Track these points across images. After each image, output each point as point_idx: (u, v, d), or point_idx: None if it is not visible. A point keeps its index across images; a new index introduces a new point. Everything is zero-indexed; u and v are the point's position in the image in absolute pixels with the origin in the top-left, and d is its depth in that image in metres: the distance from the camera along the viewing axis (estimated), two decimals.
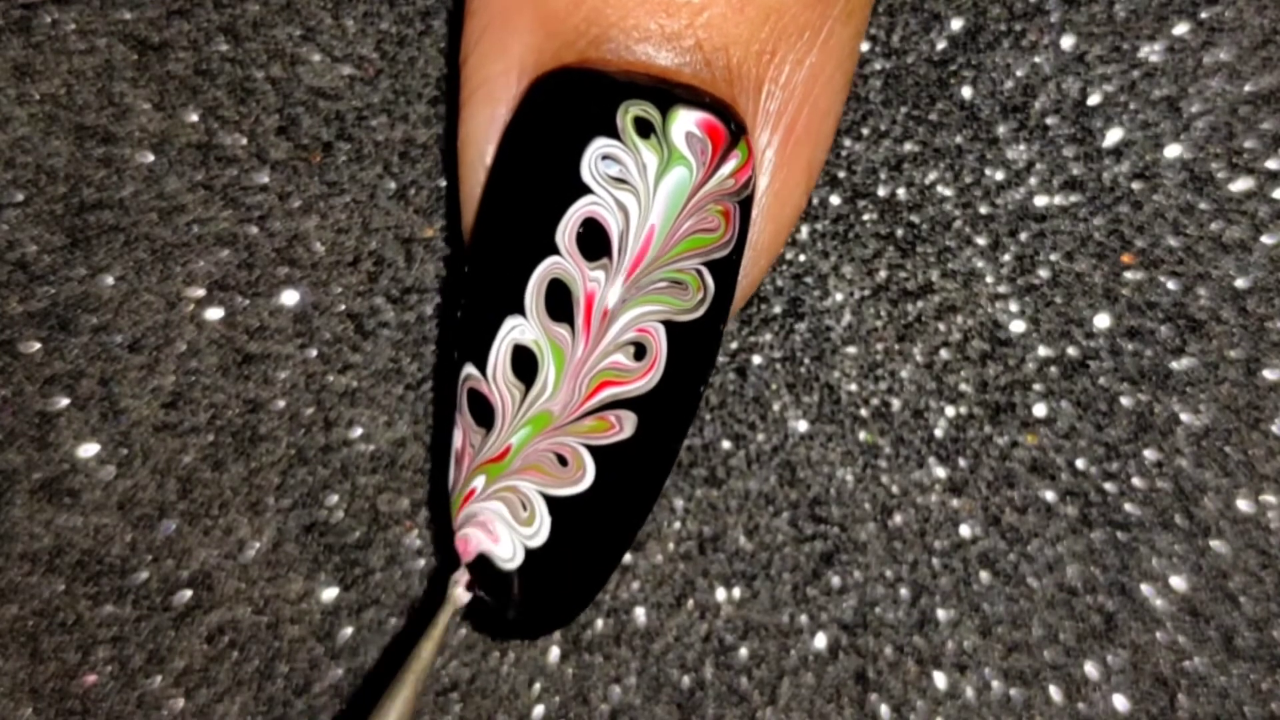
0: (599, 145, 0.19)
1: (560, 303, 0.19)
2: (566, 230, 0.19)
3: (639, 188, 0.19)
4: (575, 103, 0.19)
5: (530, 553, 0.19)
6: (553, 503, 0.19)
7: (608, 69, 0.19)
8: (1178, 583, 0.23)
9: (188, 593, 0.23)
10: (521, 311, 0.19)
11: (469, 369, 0.19)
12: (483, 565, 0.20)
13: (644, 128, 0.19)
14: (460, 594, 0.19)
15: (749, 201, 0.20)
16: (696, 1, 0.19)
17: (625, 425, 0.19)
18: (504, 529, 0.19)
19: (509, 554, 0.19)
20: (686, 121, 0.19)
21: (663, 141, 0.19)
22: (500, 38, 0.20)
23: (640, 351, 0.19)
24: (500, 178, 0.20)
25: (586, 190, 0.19)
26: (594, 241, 0.19)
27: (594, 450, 0.19)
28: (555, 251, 0.19)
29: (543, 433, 0.19)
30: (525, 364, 0.19)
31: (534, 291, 0.19)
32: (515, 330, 0.19)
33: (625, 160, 0.19)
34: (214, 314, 0.23)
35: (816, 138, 0.20)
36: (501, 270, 0.19)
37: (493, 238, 0.20)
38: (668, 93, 0.19)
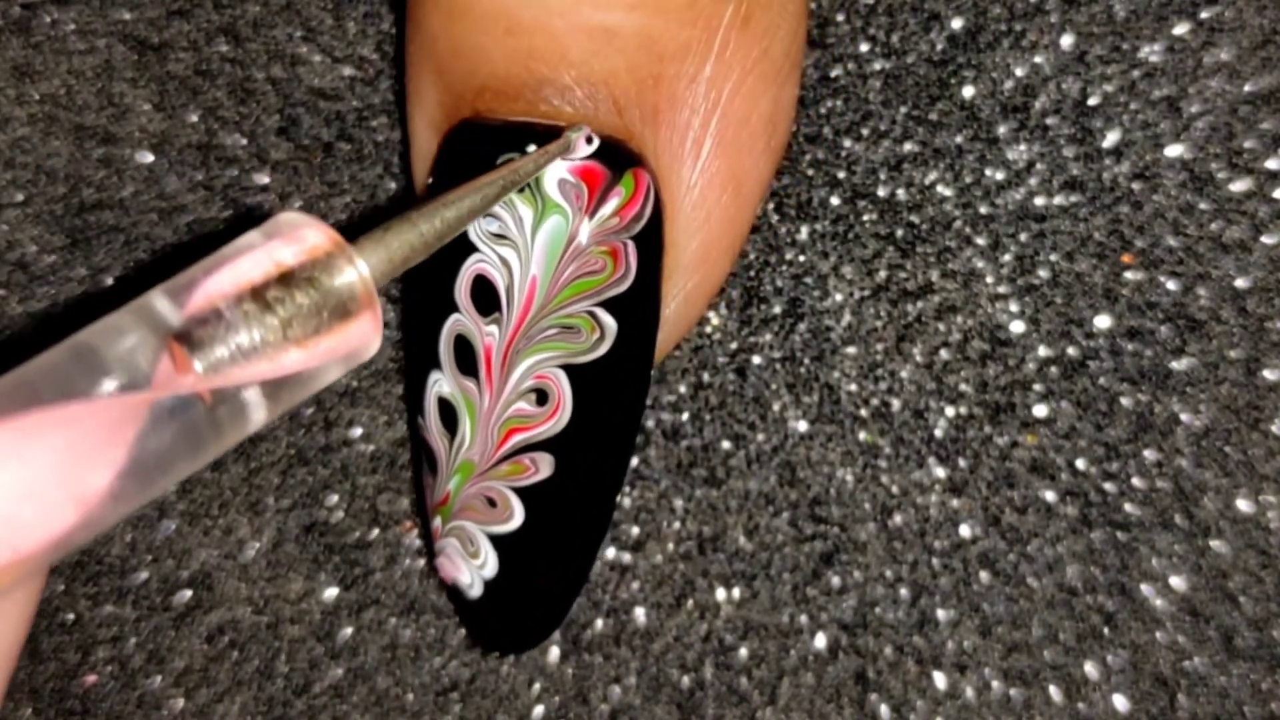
0: None
1: (465, 357, 0.20)
2: (461, 288, 0.19)
3: (518, 241, 0.19)
4: (460, 160, 0.19)
5: (487, 584, 0.20)
6: (494, 539, 0.20)
7: (492, 121, 0.19)
8: (1178, 583, 0.23)
9: (188, 593, 0.23)
10: (439, 366, 0.20)
11: (418, 419, 0.21)
12: (454, 592, 0.21)
13: None
14: (579, 142, 0.19)
15: (650, 232, 0.20)
16: (562, 42, 0.19)
17: (542, 466, 0.20)
18: (462, 561, 0.20)
19: (469, 581, 0.21)
20: (559, 169, 0.19)
21: (536, 193, 0.19)
22: (417, 93, 0.21)
23: (543, 397, 0.20)
24: None
25: (473, 249, 0.19)
26: (485, 297, 0.19)
27: (518, 491, 0.20)
28: (456, 309, 0.19)
29: (470, 479, 0.20)
30: (448, 415, 0.20)
31: (445, 347, 0.20)
32: (437, 384, 0.20)
33: (503, 215, 0.19)
34: None
35: (735, 146, 0.20)
36: (421, 327, 0.20)
37: (413, 296, 0.21)
38: (542, 138, 0.19)
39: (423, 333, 0.20)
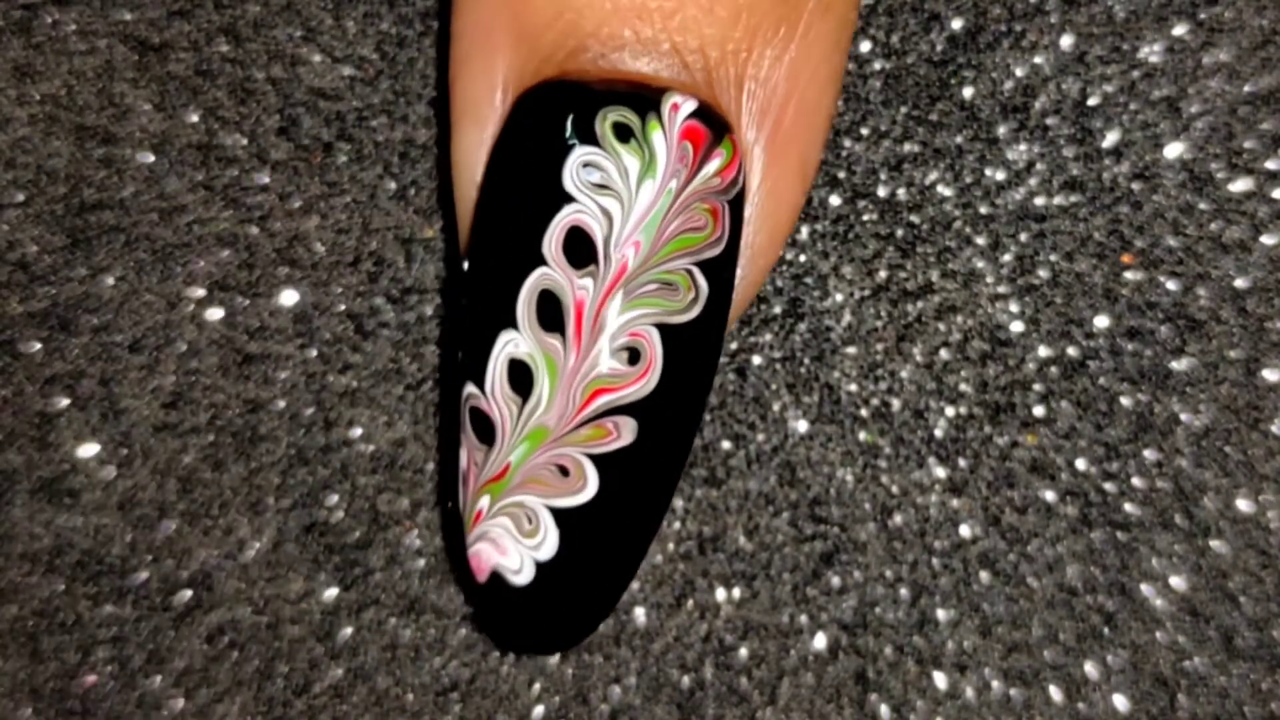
0: (580, 153, 0.19)
1: (551, 313, 0.19)
2: (552, 240, 0.19)
3: (621, 192, 0.19)
4: (555, 114, 0.19)
5: (540, 566, 0.19)
6: (558, 514, 0.19)
7: (586, 79, 0.19)
8: (1178, 583, 0.23)
9: (188, 593, 0.23)
10: (515, 325, 0.19)
11: (470, 388, 0.20)
12: (495, 583, 0.20)
13: (623, 133, 0.19)
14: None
15: (739, 201, 0.20)
16: (668, 6, 0.19)
17: (624, 431, 0.19)
18: (511, 543, 0.19)
19: (516, 565, 0.19)
20: (668, 124, 0.19)
21: (642, 145, 0.19)
22: (483, 58, 0.20)
23: (634, 356, 0.19)
24: (489, 195, 0.20)
25: (569, 199, 0.19)
26: (580, 249, 0.19)
27: (595, 458, 0.19)
28: (543, 262, 0.19)
29: (540, 448, 0.19)
30: (521, 378, 0.19)
31: (525, 303, 0.19)
32: (510, 344, 0.19)
33: (606, 166, 0.19)
34: (214, 314, 0.23)
35: (807, 133, 0.20)
36: (494, 286, 0.19)
37: (485, 254, 0.20)
38: (645, 97, 0.19)
39: (497, 291, 0.19)
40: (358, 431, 0.24)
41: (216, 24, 0.24)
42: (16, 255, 0.23)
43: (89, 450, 0.23)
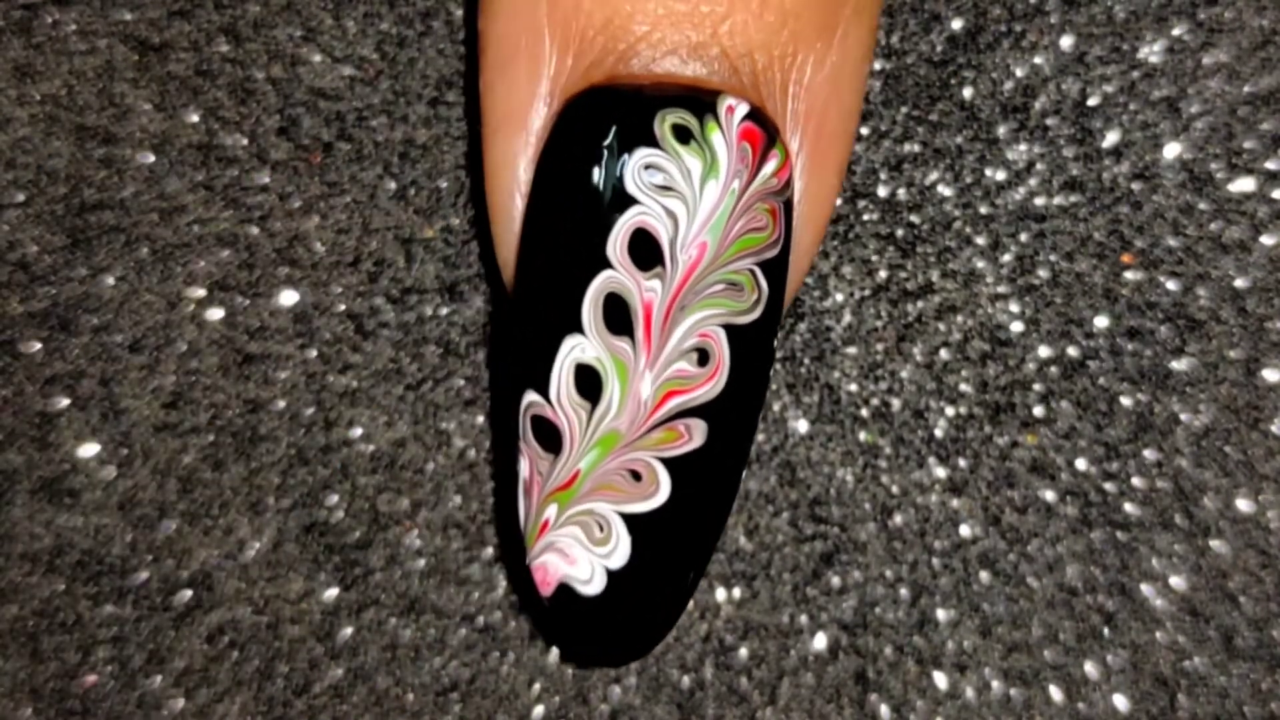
0: (641, 155, 0.19)
1: (619, 316, 0.19)
2: (617, 242, 0.19)
3: (685, 193, 0.19)
4: (611, 118, 0.19)
5: (611, 574, 0.19)
6: (630, 520, 0.19)
7: (638, 83, 0.19)
8: (1178, 583, 0.23)
9: (188, 593, 0.23)
10: (580, 329, 0.19)
11: (531, 396, 0.19)
12: (564, 595, 0.19)
13: (683, 134, 0.19)
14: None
15: (791, 202, 0.20)
16: (719, 11, 0.19)
17: (695, 434, 0.19)
18: (581, 551, 0.19)
19: (586, 575, 0.19)
20: (728, 125, 0.19)
21: (704, 146, 0.19)
22: (525, 65, 0.20)
23: (704, 357, 0.19)
24: (541, 200, 0.20)
25: (633, 201, 0.19)
26: (646, 251, 0.19)
27: (667, 462, 0.19)
28: (608, 265, 0.19)
29: (612, 453, 0.19)
30: (589, 383, 0.19)
31: (591, 307, 0.19)
32: (576, 349, 0.19)
33: (669, 167, 0.19)
34: (214, 314, 0.23)
35: (845, 137, 0.20)
36: (554, 291, 0.19)
37: (541, 260, 0.20)
38: (701, 100, 0.19)
39: (560, 296, 0.19)
40: (358, 431, 0.24)
41: (216, 24, 0.24)
42: (16, 255, 0.23)
43: (89, 450, 0.23)
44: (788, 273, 0.20)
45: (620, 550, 0.19)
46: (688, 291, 0.19)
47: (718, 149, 0.19)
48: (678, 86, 0.19)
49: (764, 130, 0.19)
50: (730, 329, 0.19)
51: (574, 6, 0.19)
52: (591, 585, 0.19)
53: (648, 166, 0.19)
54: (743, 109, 0.19)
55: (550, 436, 0.19)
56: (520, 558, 0.20)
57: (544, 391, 0.19)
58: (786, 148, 0.19)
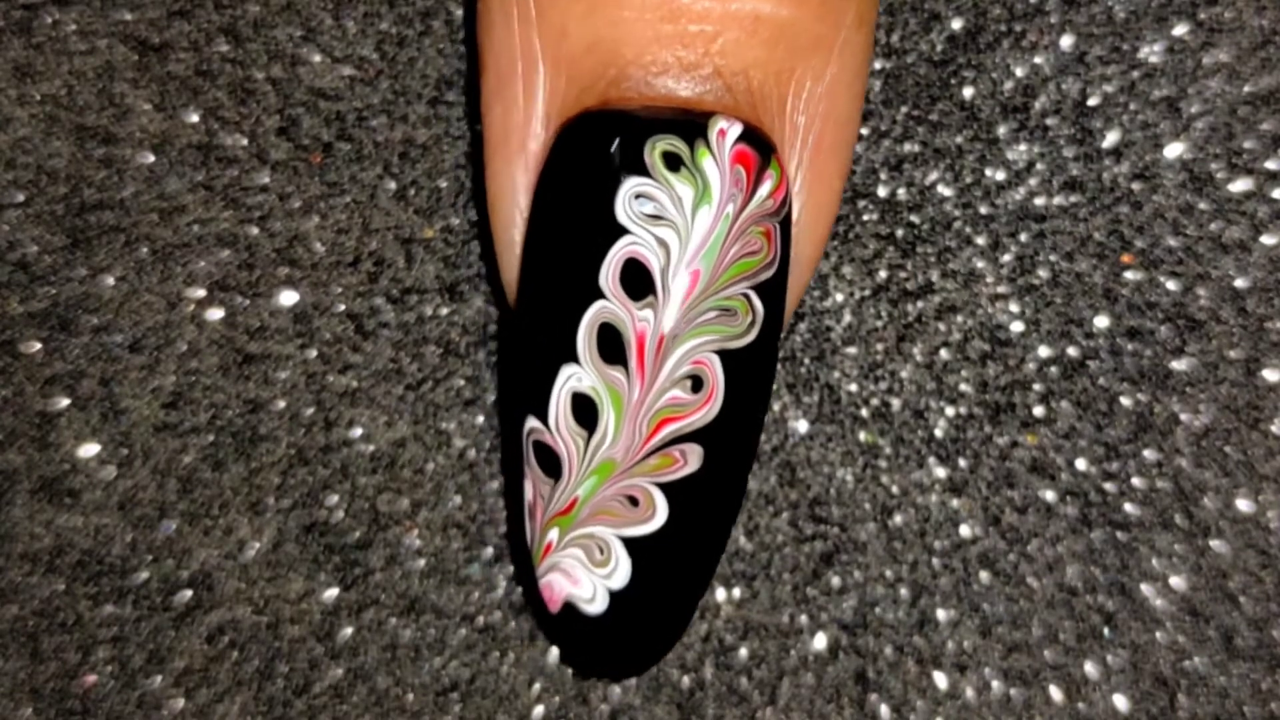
0: (631, 185, 0.19)
1: (612, 346, 0.19)
2: (609, 273, 0.19)
3: (677, 221, 0.19)
4: (602, 145, 0.19)
5: (613, 595, 0.20)
6: (629, 543, 0.19)
7: (630, 107, 0.19)
8: (1178, 583, 0.23)
9: (188, 593, 0.23)
10: (576, 359, 0.19)
11: (532, 421, 0.20)
12: (569, 612, 0.20)
13: (673, 161, 0.19)
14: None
15: (788, 220, 0.20)
16: (710, 30, 0.19)
17: (691, 459, 0.19)
18: (583, 573, 0.20)
19: (589, 594, 0.20)
20: (719, 150, 0.19)
21: (694, 173, 0.19)
22: (520, 88, 0.20)
23: (697, 384, 0.19)
24: (538, 229, 0.20)
25: (624, 231, 0.19)
26: (638, 281, 0.19)
27: (663, 487, 0.19)
28: (601, 295, 0.19)
29: (608, 480, 0.19)
30: (586, 411, 0.19)
31: (585, 337, 0.19)
32: (573, 378, 0.19)
33: (659, 196, 0.19)
34: (214, 314, 0.23)
35: (844, 148, 0.20)
36: (552, 319, 0.19)
37: (539, 287, 0.20)
38: (692, 123, 0.19)
39: (557, 324, 0.19)
40: (358, 431, 0.24)
41: (216, 24, 0.24)
42: (16, 255, 0.23)
43: (89, 450, 0.23)
44: (785, 290, 0.20)
45: (621, 572, 0.19)
46: (680, 320, 0.19)
47: (710, 175, 0.19)
48: (670, 110, 0.19)
49: (758, 152, 0.19)
50: (724, 354, 0.19)
51: (560, 30, 0.19)
52: (595, 605, 0.20)
53: (638, 196, 0.19)
54: (735, 131, 0.19)
55: (551, 462, 0.19)
56: (532, 573, 0.20)
57: (544, 419, 0.19)
58: (783, 166, 0.19)
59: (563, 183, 0.19)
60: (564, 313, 0.19)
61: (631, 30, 0.19)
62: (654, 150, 0.19)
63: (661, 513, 0.19)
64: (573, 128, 0.19)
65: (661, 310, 0.19)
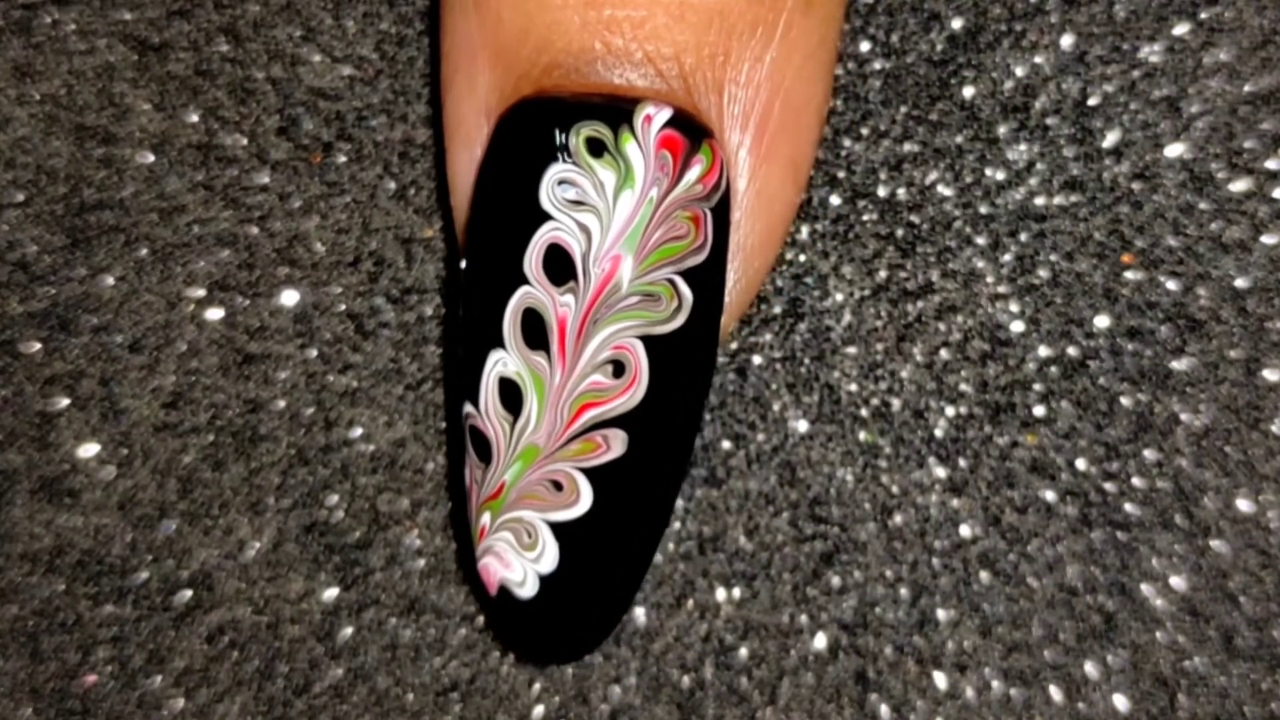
0: (554, 171, 0.19)
1: (535, 331, 0.19)
2: (532, 259, 0.19)
3: (599, 206, 0.19)
4: (530, 133, 0.19)
5: (542, 579, 0.20)
6: (555, 527, 0.19)
7: (561, 95, 0.19)
8: (1178, 583, 0.23)
9: (188, 593, 0.23)
10: (502, 344, 0.19)
11: (467, 406, 0.20)
12: (504, 595, 0.20)
13: (596, 147, 0.19)
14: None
15: (724, 206, 0.20)
16: (637, 15, 0.19)
17: (614, 444, 0.19)
18: (514, 556, 0.20)
19: (520, 578, 0.20)
20: (644, 135, 0.19)
21: (617, 158, 0.19)
22: (467, 78, 0.20)
23: (619, 369, 0.19)
24: (476, 215, 0.20)
25: (546, 217, 0.19)
26: (560, 266, 0.19)
27: (587, 472, 0.19)
28: (525, 281, 0.19)
29: (532, 465, 0.19)
30: (511, 396, 0.19)
31: (510, 322, 0.19)
32: (499, 363, 0.19)
33: (581, 182, 0.19)
34: (214, 314, 0.23)
35: (796, 131, 0.20)
36: (482, 305, 0.20)
37: (474, 274, 0.20)
38: (619, 110, 0.19)
39: (484, 311, 0.19)
40: (358, 431, 0.24)
41: (216, 24, 0.24)
42: (16, 255, 0.23)
43: (89, 450, 0.23)
44: (724, 275, 0.20)
45: (549, 556, 0.20)
46: (600, 305, 0.19)
47: (633, 160, 0.19)
48: (599, 96, 0.19)
49: (687, 136, 0.19)
50: (649, 339, 0.19)
51: (496, 20, 0.20)
52: (525, 588, 0.20)
53: (561, 182, 0.19)
54: (663, 116, 0.19)
55: (483, 447, 0.20)
56: (474, 558, 0.21)
57: (476, 403, 0.20)
58: (716, 151, 0.19)
59: (496, 170, 0.20)
60: (492, 298, 0.19)
61: (559, 18, 0.19)
62: (578, 136, 0.19)
63: (586, 498, 0.19)
64: (508, 117, 0.20)
65: (582, 295, 0.19)
